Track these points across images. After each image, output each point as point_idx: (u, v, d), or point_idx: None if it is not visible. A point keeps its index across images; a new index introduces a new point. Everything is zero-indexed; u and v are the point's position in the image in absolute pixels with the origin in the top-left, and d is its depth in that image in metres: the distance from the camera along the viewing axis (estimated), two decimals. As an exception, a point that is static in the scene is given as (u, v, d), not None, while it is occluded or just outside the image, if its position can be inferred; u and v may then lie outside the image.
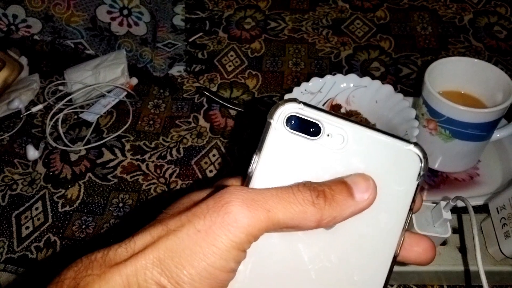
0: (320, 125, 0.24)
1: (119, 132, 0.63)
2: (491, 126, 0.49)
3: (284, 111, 0.24)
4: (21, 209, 0.56)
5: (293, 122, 0.24)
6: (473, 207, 0.51)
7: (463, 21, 0.78)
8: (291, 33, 0.78)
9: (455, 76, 0.53)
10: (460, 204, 0.41)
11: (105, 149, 0.61)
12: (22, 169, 0.60)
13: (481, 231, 0.46)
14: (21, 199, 0.57)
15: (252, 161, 0.24)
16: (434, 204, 0.41)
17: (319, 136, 0.24)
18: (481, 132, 0.49)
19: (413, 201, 0.24)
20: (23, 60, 0.73)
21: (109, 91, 0.67)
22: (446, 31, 0.77)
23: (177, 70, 0.72)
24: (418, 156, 0.24)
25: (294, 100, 0.24)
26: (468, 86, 0.54)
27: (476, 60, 0.53)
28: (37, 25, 0.70)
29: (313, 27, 0.78)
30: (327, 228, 0.23)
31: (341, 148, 0.24)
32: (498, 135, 0.53)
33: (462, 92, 0.54)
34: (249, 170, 0.24)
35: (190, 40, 0.77)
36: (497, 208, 0.43)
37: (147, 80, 0.70)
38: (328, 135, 0.24)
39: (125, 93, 0.67)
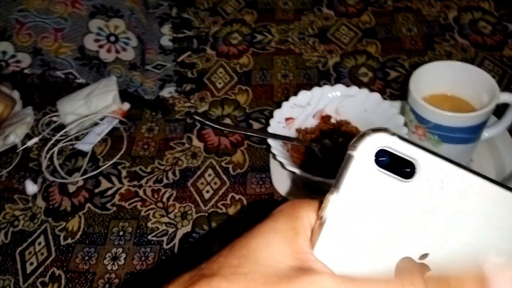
0: (416, 164, 0.20)
1: (114, 159, 0.63)
2: (478, 128, 0.50)
3: (374, 143, 0.19)
4: (24, 245, 0.56)
5: (383, 158, 0.20)
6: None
7: (448, 19, 0.78)
8: (278, 44, 0.78)
9: (440, 80, 0.54)
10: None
11: (102, 177, 0.62)
12: (22, 205, 0.61)
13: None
14: (23, 235, 0.57)
15: (327, 202, 0.20)
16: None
17: (413, 177, 0.20)
18: (469, 134, 0.50)
19: None
20: (15, 94, 0.74)
21: (102, 119, 0.67)
22: (431, 30, 0.77)
23: (168, 92, 0.73)
24: None
25: (386, 130, 0.20)
26: (454, 89, 0.54)
27: (459, 63, 0.54)
28: (26, 59, 0.70)
29: (299, 37, 0.79)
30: None
31: (438, 196, 0.20)
32: (487, 135, 0.54)
33: (449, 94, 0.55)
34: (324, 213, 0.20)
35: (179, 59, 0.78)
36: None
37: (139, 104, 0.71)
38: (424, 178, 0.20)
39: (118, 119, 0.68)
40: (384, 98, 0.58)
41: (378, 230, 0.20)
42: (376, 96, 0.58)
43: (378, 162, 0.20)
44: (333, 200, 0.20)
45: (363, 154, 0.19)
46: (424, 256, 0.20)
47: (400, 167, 0.20)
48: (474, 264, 0.20)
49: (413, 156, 0.19)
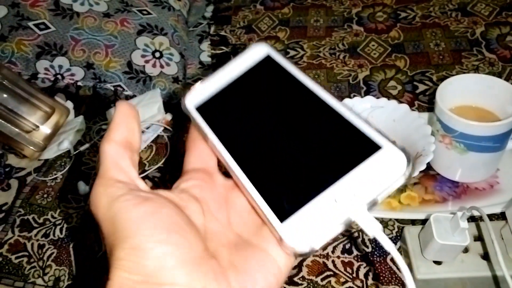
0: None
1: (159, 164, 0.69)
2: (503, 138, 0.52)
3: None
4: (77, 240, 0.62)
5: None
6: (494, 214, 0.54)
7: (475, 34, 0.81)
8: (310, 59, 0.83)
9: (466, 92, 0.56)
10: (476, 213, 0.44)
11: (147, 180, 0.67)
12: (75, 204, 0.67)
13: (501, 238, 0.48)
14: (76, 230, 0.63)
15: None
16: (452, 215, 0.45)
17: None
18: (494, 143, 0.52)
19: None
20: (69, 105, 0.81)
21: (147, 127, 0.73)
22: (459, 45, 0.80)
23: (207, 103, 0.78)
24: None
25: None
26: (479, 100, 0.57)
27: (483, 75, 0.56)
28: (80, 73, 0.78)
29: (331, 52, 0.83)
30: None
31: None
32: (513, 145, 0.56)
33: (474, 106, 0.57)
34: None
35: (217, 73, 0.83)
36: (513, 215, 0.46)
37: (181, 115, 0.77)
38: None
39: (162, 128, 0.73)
40: (412, 110, 0.61)
41: None
42: (405, 107, 0.61)
43: None
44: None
45: None
46: None
47: None
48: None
49: None
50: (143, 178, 0.67)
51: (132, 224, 0.20)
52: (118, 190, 0.22)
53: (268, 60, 0.27)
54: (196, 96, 0.28)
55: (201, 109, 0.27)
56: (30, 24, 0.77)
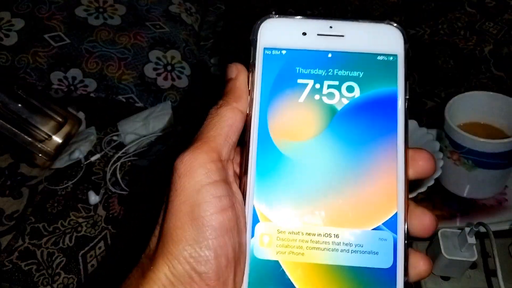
0: None
1: (168, 176, 0.70)
2: (511, 155, 0.52)
3: None
4: (86, 248, 0.63)
5: None
6: (502, 231, 0.54)
7: (484, 52, 0.82)
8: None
9: (474, 109, 0.57)
10: (483, 229, 0.44)
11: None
12: (85, 213, 0.67)
13: (510, 254, 0.48)
14: (85, 239, 0.64)
15: None
16: (460, 231, 0.45)
17: None
18: (502, 160, 0.52)
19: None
20: (81, 115, 0.82)
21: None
22: (467, 63, 0.80)
23: (216, 116, 0.79)
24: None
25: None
26: (488, 118, 0.57)
27: (492, 93, 0.57)
28: (93, 84, 0.79)
29: (339, 68, 0.84)
30: None
31: None
32: (521, 162, 0.56)
33: (482, 123, 0.58)
34: None
35: (227, 87, 0.84)
36: (522, 232, 0.46)
37: (190, 126, 0.78)
38: None
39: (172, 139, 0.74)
40: (421, 126, 0.62)
41: None
42: (413, 123, 0.61)
43: None
44: None
45: None
46: None
47: None
48: None
49: None
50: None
51: (203, 232, 0.20)
52: (209, 176, 0.21)
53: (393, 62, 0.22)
54: (276, 34, 0.22)
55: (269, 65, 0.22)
56: (46, 36, 0.79)
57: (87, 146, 0.77)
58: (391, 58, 0.22)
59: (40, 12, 0.81)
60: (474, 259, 0.43)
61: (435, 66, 0.81)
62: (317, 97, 0.21)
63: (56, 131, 0.77)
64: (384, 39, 0.22)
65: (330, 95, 0.21)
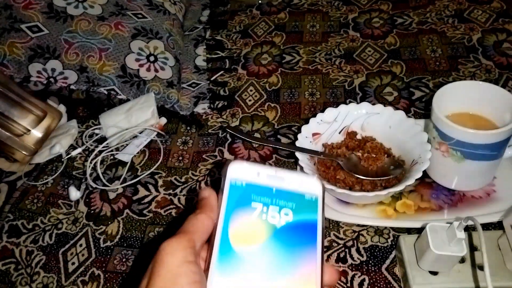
0: None
1: (152, 169, 0.68)
2: (500, 146, 0.51)
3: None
4: (67, 246, 0.61)
5: None
6: (491, 224, 0.53)
7: (472, 40, 0.81)
8: (305, 65, 0.82)
9: (463, 99, 0.56)
10: (472, 223, 0.43)
11: (140, 186, 0.66)
12: (66, 209, 0.65)
13: (498, 248, 0.48)
14: (66, 237, 0.62)
15: None
16: (448, 225, 0.44)
17: None
18: (491, 151, 0.51)
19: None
20: (62, 108, 0.80)
21: (141, 132, 0.72)
22: (456, 52, 0.79)
23: (201, 108, 0.77)
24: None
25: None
26: (477, 108, 0.56)
27: (481, 82, 0.56)
28: (73, 76, 0.76)
29: (326, 58, 0.83)
30: None
31: None
32: (510, 153, 0.55)
33: (471, 113, 0.57)
34: None
35: (212, 78, 0.82)
36: (511, 225, 0.45)
37: (175, 119, 0.76)
38: None
39: (156, 133, 0.72)
40: (409, 116, 0.61)
41: None
42: (401, 113, 0.60)
43: None
44: None
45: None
46: None
47: None
48: None
49: None
50: (135, 183, 0.66)
51: None
52: (187, 257, 0.27)
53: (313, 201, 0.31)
54: (239, 172, 0.31)
55: (233, 187, 0.31)
56: (23, 26, 0.76)
57: (68, 140, 0.75)
58: (313, 198, 0.31)
59: (16, 1, 0.77)
60: (463, 254, 0.42)
61: (422, 55, 0.80)
62: (264, 216, 0.30)
63: (36, 125, 0.75)
64: (310, 185, 0.32)
65: (273, 217, 0.30)
